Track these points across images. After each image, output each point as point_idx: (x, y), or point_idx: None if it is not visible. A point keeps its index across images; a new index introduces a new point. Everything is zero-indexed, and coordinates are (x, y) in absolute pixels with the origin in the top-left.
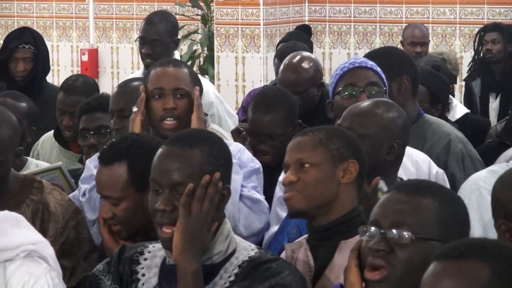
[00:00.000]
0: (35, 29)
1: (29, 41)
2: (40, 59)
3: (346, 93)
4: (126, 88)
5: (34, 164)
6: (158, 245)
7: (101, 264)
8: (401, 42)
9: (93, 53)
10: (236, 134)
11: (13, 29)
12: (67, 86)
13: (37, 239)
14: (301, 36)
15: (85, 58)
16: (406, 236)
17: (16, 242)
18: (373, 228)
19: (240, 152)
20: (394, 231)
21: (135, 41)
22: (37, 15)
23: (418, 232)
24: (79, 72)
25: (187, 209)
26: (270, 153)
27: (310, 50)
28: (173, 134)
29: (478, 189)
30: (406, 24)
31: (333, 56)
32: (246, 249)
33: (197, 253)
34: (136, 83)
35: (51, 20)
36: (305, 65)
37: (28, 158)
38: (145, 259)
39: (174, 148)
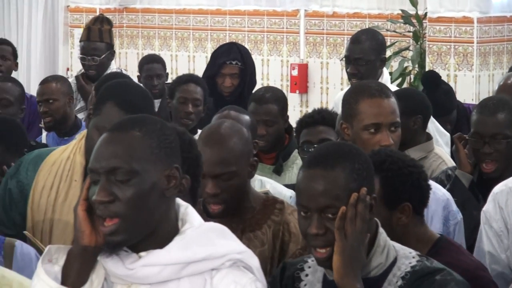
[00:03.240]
0: (246, 43)
1: (236, 58)
2: (247, 74)
3: None
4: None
5: (258, 181)
6: None
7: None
8: None
9: (303, 68)
10: (458, 139)
11: (224, 42)
12: (258, 97)
13: (242, 249)
14: None
15: (295, 72)
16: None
17: (222, 252)
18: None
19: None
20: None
21: (340, 60)
22: (249, 29)
23: None
24: (288, 87)
25: (342, 232)
26: (494, 158)
27: None
28: (310, 154)
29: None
30: None
31: None
32: (407, 257)
33: (358, 273)
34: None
35: (262, 35)
36: None
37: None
38: (306, 275)
39: (317, 170)
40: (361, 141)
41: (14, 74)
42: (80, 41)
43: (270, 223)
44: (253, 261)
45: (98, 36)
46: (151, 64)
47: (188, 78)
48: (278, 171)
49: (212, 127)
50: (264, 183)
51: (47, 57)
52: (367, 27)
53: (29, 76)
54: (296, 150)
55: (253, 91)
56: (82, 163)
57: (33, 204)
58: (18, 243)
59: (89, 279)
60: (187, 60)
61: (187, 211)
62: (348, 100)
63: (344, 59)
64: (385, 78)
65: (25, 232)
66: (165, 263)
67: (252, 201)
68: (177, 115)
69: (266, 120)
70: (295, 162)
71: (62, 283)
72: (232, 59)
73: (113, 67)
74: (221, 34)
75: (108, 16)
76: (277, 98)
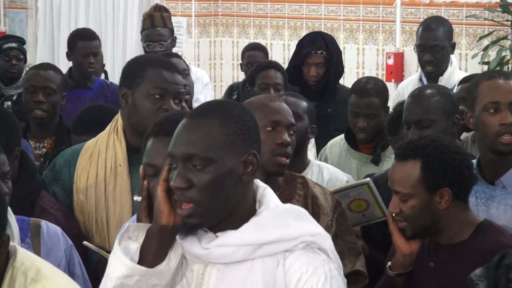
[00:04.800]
0: (341, 32)
1: (321, 47)
2: (333, 63)
3: None
4: (421, 98)
5: (316, 166)
6: None
7: (480, 269)
8: None
9: (399, 57)
10: None
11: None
12: (359, 89)
13: (316, 231)
14: None
15: (390, 61)
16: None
17: (296, 234)
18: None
19: None
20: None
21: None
22: (344, 18)
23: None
24: (384, 76)
25: None
26: None
27: None
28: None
29: None
30: None
31: None
32: None
33: None
34: (429, 91)
35: (358, 23)
36: None
37: (310, 159)
38: None
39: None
40: (482, 124)
41: (108, 68)
42: (144, 30)
43: (297, 197)
44: (327, 243)
45: (161, 22)
46: (253, 51)
47: (267, 64)
48: (376, 161)
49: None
50: (322, 167)
51: (142, 51)
52: (464, 16)
53: None
54: None
55: (354, 82)
56: (123, 148)
57: (79, 198)
58: (44, 222)
59: (167, 257)
60: (282, 48)
61: (265, 192)
62: (470, 88)
63: (416, 47)
64: (454, 64)
65: (84, 242)
66: (239, 244)
67: (279, 178)
68: None
69: (367, 113)
70: (393, 152)
71: (140, 260)
72: (317, 48)
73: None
74: (316, 22)
75: (204, 5)
76: (378, 90)
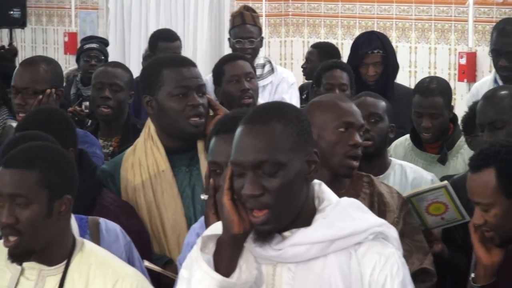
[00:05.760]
0: (413, 31)
1: (377, 46)
2: (390, 61)
3: None
4: (494, 99)
5: (398, 165)
6: None
7: None
8: None
9: (471, 57)
10: None
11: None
12: (422, 89)
13: (381, 221)
14: None
15: (463, 61)
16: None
17: (365, 226)
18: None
19: None
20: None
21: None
22: (416, 18)
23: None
24: (456, 76)
25: None
26: None
27: None
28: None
29: None
30: None
31: None
32: None
33: None
34: (502, 92)
35: (430, 23)
36: None
37: (391, 158)
38: None
39: None
40: None
41: None
42: (233, 27)
43: (363, 195)
44: (392, 231)
45: (252, 20)
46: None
47: (332, 64)
48: (442, 160)
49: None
50: (404, 167)
51: (213, 44)
52: None
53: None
54: (460, 139)
55: (417, 82)
56: (161, 150)
57: None
58: (102, 220)
59: (238, 265)
60: None
61: (321, 188)
62: None
63: (491, 52)
64: None
65: (146, 264)
66: (312, 242)
67: None
68: None
69: (431, 113)
70: (460, 152)
71: (215, 271)
72: (374, 48)
73: (261, 55)
74: (388, 22)
75: (274, 5)
76: (442, 90)
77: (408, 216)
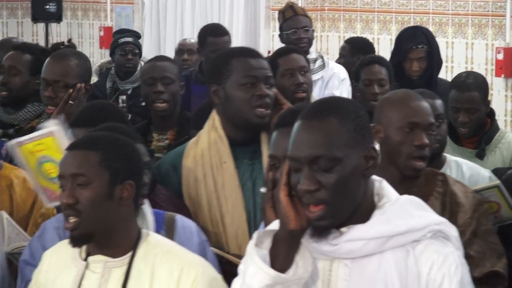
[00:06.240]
0: (450, 27)
1: (422, 41)
2: (434, 56)
3: None
4: None
5: (454, 162)
6: None
7: None
8: None
9: (509, 52)
10: None
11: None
12: (459, 83)
13: (440, 219)
14: None
15: (500, 56)
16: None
17: (423, 223)
18: None
19: None
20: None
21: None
22: (453, 13)
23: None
24: (493, 71)
25: None
26: None
27: None
28: None
29: None
30: None
31: None
32: None
33: None
34: None
35: (467, 18)
36: None
37: (445, 154)
38: None
39: None
40: None
41: None
42: (285, 20)
43: (436, 195)
44: (451, 230)
45: (303, 11)
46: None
47: (370, 60)
48: (480, 155)
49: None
50: (460, 164)
51: (248, 40)
52: None
53: None
54: (498, 134)
55: (454, 77)
56: (224, 142)
57: (191, 199)
58: (178, 216)
59: (294, 261)
60: (389, 43)
61: (382, 185)
62: None
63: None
64: None
65: (213, 250)
66: (369, 238)
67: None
68: (364, 97)
69: (468, 108)
70: (498, 146)
71: (271, 267)
72: (418, 43)
73: (312, 49)
74: (424, 17)
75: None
76: (478, 84)
77: (483, 217)
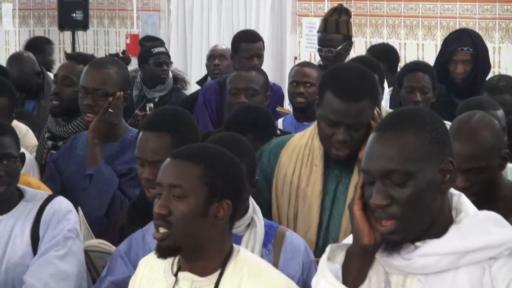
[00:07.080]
0: (476, 30)
1: (467, 44)
2: (479, 60)
3: None
4: None
5: (510, 170)
6: None
7: None
8: None
9: None
10: None
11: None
12: (491, 87)
13: None
14: None
15: None
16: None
17: (500, 240)
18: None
19: None
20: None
21: None
22: (479, 17)
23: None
24: None
25: None
26: None
27: None
28: None
29: None
30: None
31: None
32: None
33: None
34: None
35: (494, 22)
36: None
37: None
38: None
39: None
40: None
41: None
42: (318, 32)
43: None
44: None
45: (334, 27)
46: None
47: (414, 67)
48: None
49: (462, 120)
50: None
51: (274, 46)
52: None
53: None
54: None
55: (486, 80)
56: (320, 147)
57: (277, 191)
58: (289, 232)
59: (367, 277)
60: (415, 48)
61: (461, 200)
62: None
63: None
64: None
65: None
66: (443, 253)
67: (503, 189)
68: (406, 104)
69: None
70: None
71: (343, 282)
72: (463, 45)
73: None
74: (451, 21)
75: (336, 5)
76: (511, 87)
77: None
